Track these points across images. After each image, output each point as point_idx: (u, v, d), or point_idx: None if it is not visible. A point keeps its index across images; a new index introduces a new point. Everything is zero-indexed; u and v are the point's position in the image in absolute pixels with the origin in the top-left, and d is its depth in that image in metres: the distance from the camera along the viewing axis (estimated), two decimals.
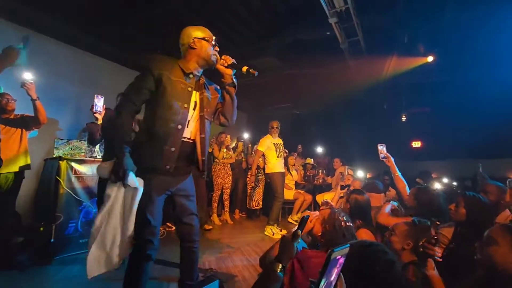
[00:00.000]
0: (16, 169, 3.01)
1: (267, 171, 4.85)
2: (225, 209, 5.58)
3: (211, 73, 2.07)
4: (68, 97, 4.39)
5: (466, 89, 6.56)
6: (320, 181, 6.50)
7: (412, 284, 1.48)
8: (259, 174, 5.79)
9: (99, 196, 3.00)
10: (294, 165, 6.39)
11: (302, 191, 5.99)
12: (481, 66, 5.93)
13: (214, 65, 1.98)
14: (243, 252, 3.66)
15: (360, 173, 5.03)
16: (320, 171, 6.70)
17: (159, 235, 1.83)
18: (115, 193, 1.66)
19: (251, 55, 5.70)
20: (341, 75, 6.36)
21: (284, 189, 5.57)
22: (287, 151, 6.30)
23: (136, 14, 4.34)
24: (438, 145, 8.20)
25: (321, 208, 2.17)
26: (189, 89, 1.86)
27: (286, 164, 5.94)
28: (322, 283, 0.78)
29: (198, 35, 1.90)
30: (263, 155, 4.89)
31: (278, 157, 4.83)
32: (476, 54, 5.56)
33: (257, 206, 6.00)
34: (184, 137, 1.86)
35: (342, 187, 3.71)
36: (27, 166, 3.14)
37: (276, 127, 4.94)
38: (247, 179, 5.94)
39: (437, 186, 4.80)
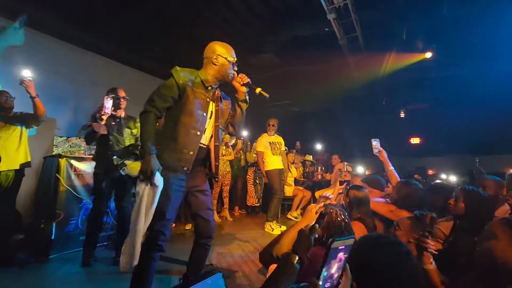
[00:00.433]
0: (17, 167, 3.01)
1: (264, 168, 4.90)
2: (225, 206, 5.60)
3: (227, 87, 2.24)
4: (67, 95, 4.38)
5: (465, 84, 6.56)
6: (319, 177, 6.51)
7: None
8: (259, 172, 5.80)
9: (95, 188, 3.03)
10: (294, 162, 6.40)
11: (301, 188, 6.01)
12: (480, 62, 5.94)
13: (229, 83, 2.14)
14: (243, 248, 3.68)
15: (360, 169, 5.04)
16: (319, 168, 6.71)
17: (170, 229, 1.96)
18: (142, 190, 1.82)
19: (250, 52, 5.69)
20: (339, 71, 6.36)
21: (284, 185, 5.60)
22: (286, 148, 6.31)
23: (135, 12, 4.32)
24: (436, 141, 8.23)
25: (319, 201, 2.19)
26: (208, 99, 2.06)
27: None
28: (324, 273, 0.78)
29: (222, 54, 2.07)
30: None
31: (273, 154, 4.87)
32: (474, 49, 5.56)
33: (257, 203, 6.02)
34: (201, 143, 2.04)
35: (341, 183, 3.71)
36: (28, 164, 3.13)
37: (273, 125, 4.96)
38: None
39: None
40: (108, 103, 2.92)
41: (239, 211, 6.18)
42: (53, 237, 3.10)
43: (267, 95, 2.11)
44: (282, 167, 4.98)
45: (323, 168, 6.92)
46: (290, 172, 6.10)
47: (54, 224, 3.13)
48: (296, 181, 6.36)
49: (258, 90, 2.12)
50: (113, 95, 3.05)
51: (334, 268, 0.81)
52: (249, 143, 6.52)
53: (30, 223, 3.28)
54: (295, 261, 0.93)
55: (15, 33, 3.56)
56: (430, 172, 7.49)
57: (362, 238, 1.19)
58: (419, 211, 1.81)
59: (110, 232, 3.63)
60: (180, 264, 2.73)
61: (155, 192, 1.82)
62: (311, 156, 7.33)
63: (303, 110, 9.47)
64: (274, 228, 4.57)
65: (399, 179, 2.88)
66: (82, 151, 3.83)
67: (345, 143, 7.94)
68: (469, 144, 7.24)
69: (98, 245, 3.20)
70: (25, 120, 3.11)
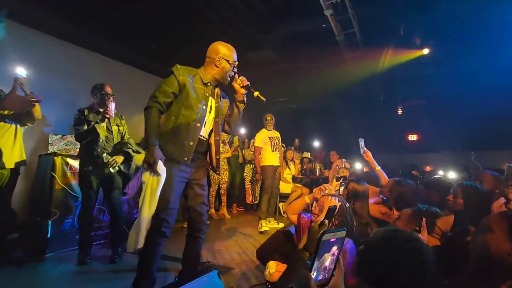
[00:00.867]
0: (12, 166, 2.96)
1: (260, 164, 4.80)
2: (223, 204, 5.59)
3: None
4: (61, 93, 4.34)
5: (462, 80, 6.55)
6: (318, 174, 6.52)
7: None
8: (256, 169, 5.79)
9: (83, 186, 3.00)
10: (292, 159, 6.39)
11: (299, 185, 6.00)
12: (477, 58, 5.93)
13: (226, 84, 2.28)
14: (240, 245, 3.67)
15: (358, 165, 5.03)
16: (317, 164, 6.72)
17: (175, 217, 2.09)
18: (147, 180, 1.94)
19: (247, 49, 5.65)
20: (337, 68, 6.33)
21: (282, 182, 5.59)
22: (284, 145, 6.30)
23: (128, 8, 4.27)
24: (434, 137, 8.22)
25: (315, 192, 2.21)
26: (207, 94, 2.18)
27: (284, 158, 5.94)
28: (314, 265, 0.78)
29: (224, 56, 2.19)
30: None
31: (273, 151, 4.78)
32: (472, 46, 5.55)
33: (255, 201, 6.01)
34: (201, 135, 2.17)
35: (338, 179, 3.72)
36: (23, 162, 3.09)
37: (270, 119, 4.89)
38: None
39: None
40: (112, 105, 2.93)
41: (237, 208, 6.18)
42: (49, 236, 3.08)
43: (264, 99, 2.22)
44: (278, 164, 4.90)
45: (321, 165, 6.93)
46: (289, 168, 6.10)
47: (50, 223, 3.10)
48: (294, 178, 6.36)
49: (256, 93, 2.23)
50: (102, 92, 3.04)
51: (327, 261, 0.81)
52: (246, 140, 6.51)
53: (26, 221, 3.25)
54: (306, 258, 0.94)
55: None
56: (428, 168, 7.49)
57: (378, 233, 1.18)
58: (424, 205, 1.83)
59: (107, 230, 3.61)
60: (176, 262, 2.71)
61: (158, 180, 1.93)
62: (309, 153, 7.33)
63: (300, 107, 9.46)
64: (263, 226, 4.40)
65: (390, 179, 2.89)
66: (78, 149, 3.78)
67: (343, 140, 7.93)
68: (467, 140, 7.23)
69: (94, 243, 3.18)
70: (20, 118, 3.07)
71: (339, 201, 1.97)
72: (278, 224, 4.71)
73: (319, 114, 9.28)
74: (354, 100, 8.36)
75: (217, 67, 2.19)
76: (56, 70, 4.30)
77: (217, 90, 2.28)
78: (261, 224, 4.43)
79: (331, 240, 0.79)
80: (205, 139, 2.22)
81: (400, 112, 8.57)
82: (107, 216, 3.57)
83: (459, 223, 2.01)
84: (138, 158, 3.34)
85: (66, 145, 3.75)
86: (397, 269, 1.01)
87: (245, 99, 2.32)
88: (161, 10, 4.38)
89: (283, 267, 2.18)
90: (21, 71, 2.86)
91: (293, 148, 6.74)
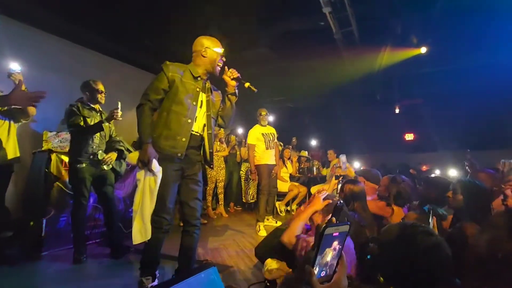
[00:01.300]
0: (6, 162, 2.92)
1: (255, 163, 4.54)
2: (220, 203, 5.56)
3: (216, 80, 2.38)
4: (56, 89, 4.26)
5: (459, 79, 6.58)
6: (315, 173, 6.51)
7: None
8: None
9: (76, 183, 2.95)
10: (290, 157, 6.37)
11: (297, 184, 6.00)
12: (474, 57, 5.96)
13: (217, 73, 2.29)
14: (238, 244, 3.65)
15: (356, 164, 5.02)
16: (315, 163, 6.72)
17: (173, 213, 2.16)
18: (143, 177, 1.98)
19: (244, 47, 5.62)
20: (335, 66, 6.34)
21: (279, 181, 5.56)
22: (281, 143, 6.28)
23: (126, 5, 4.23)
24: (430, 136, 8.25)
25: (314, 196, 2.17)
26: (197, 89, 2.20)
27: (281, 156, 5.92)
28: (316, 260, 0.75)
29: (210, 46, 2.22)
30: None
31: (267, 148, 4.50)
32: (469, 44, 5.57)
33: (252, 199, 5.99)
34: (193, 131, 2.18)
35: (336, 177, 3.70)
36: (17, 159, 3.03)
37: (265, 114, 4.63)
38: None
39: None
40: (119, 105, 2.91)
41: (235, 207, 6.15)
42: (43, 234, 3.03)
43: (255, 90, 2.22)
44: (274, 163, 4.59)
45: (319, 163, 6.93)
46: (286, 167, 6.08)
47: (44, 221, 3.06)
48: (292, 177, 6.34)
49: (246, 84, 2.24)
50: (94, 88, 3.02)
51: (330, 257, 0.78)
52: (243, 140, 6.47)
53: (19, 219, 3.20)
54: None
55: None
56: (424, 168, 7.52)
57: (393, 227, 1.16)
58: (428, 206, 1.82)
59: (103, 228, 3.56)
60: (173, 260, 2.68)
61: (155, 179, 1.98)
62: (306, 152, 7.32)
63: (298, 106, 9.45)
64: (261, 229, 4.20)
65: (385, 176, 2.89)
66: None
67: (340, 139, 7.93)
68: (464, 139, 7.26)
69: (90, 242, 3.14)
70: (14, 114, 3.02)
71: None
72: (276, 222, 4.68)
73: (316, 113, 9.29)
74: (351, 99, 8.37)
75: (205, 57, 2.21)
76: (51, 67, 4.24)
77: (208, 84, 2.30)
78: (259, 227, 4.25)
79: (334, 234, 0.76)
80: (198, 134, 2.23)
81: (397, 110, 8.60)
82: (103, 214, 3.53)
83: (458, 220, 2.00)
84: (132, 157, 3.39)
85: (61, 142, 3.69)
86: (419, 264, 1.01)
87: (236, 91, 2.34)
88: (157, 7, 4.35)
89: (281, 265, 2.15)
90: (15, 66, 2.80)
91: (290, 147, 6.73)
